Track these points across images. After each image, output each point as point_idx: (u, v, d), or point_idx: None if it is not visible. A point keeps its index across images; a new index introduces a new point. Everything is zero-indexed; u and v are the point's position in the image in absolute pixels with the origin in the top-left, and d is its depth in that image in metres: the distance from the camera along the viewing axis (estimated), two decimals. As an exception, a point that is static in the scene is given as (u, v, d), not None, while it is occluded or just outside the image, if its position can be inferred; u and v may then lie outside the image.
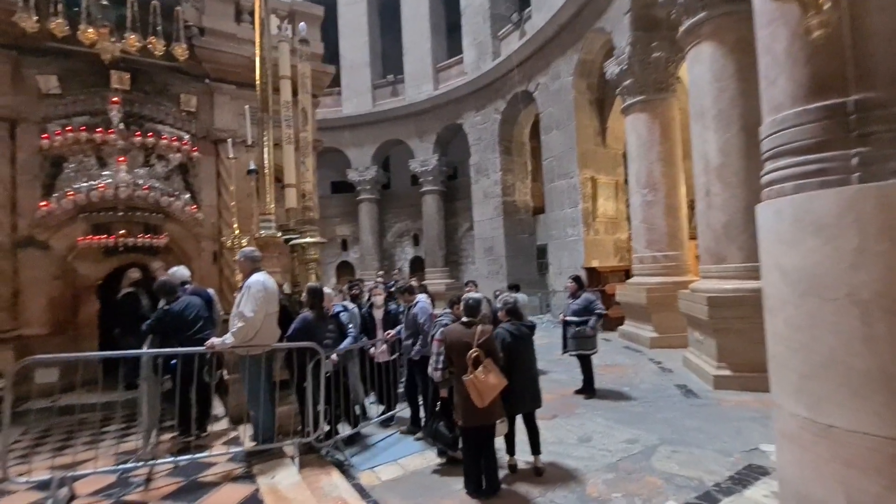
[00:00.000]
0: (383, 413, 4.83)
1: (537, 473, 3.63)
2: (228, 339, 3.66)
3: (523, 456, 3.77)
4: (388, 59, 17.74)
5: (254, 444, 3.81)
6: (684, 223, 8.59)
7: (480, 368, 3.18)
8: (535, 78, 12.31)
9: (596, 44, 10.42)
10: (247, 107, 6.02)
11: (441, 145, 16.46)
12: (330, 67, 7.80)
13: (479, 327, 3.33)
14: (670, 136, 8.50)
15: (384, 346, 4.69)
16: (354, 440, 4.34)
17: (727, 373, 5.56)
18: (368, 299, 5.89)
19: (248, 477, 3.41)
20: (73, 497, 3.20)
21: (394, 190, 18.76)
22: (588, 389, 5.61)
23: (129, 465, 3.42)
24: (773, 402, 2.60)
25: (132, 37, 5.45)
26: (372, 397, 5.07)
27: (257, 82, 4.96)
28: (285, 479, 3.33)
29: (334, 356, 4.00)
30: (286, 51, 5.76)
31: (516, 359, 3.56)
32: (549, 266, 12.59)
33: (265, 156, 4.88)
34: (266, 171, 4.86)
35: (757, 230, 2.72)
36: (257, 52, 4.93)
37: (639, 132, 8.62)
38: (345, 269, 18.70)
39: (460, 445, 3.54)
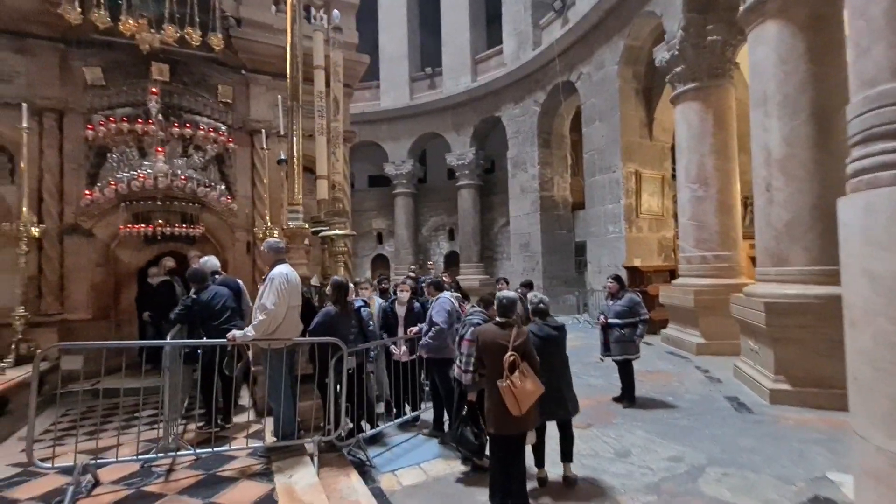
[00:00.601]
0: (406, 413, 4.66)
1: (567, 484, 3.36)
2: (249, 331, 3.58)
3: (554, 469, 3.49)
4: (427, 52, 17.56)
5: (274, 439, 3.73)
6: (738, 221, 7.94)
7: (517, 373, 2.94)
8: (577, 67, 11.77)
9: (644, 29, 9.80)
10: (279, 97, 5.98)
11: (478, 139, 16.15)
12: (364, 57, 7.67)
13: (515, 329, 3.09)
14: (725, 126, 7.85)
15: (405, 346, 4.49)
16: (376, 440, 4.19)
17: (786, 387, 5.03)
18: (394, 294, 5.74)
19: (266, 474, 3.32)
20: (96, 483, 3.21)
21: (430, 184, 18.64)
22: (627, 397, 5.23)
23: (149, 456, 3.41)
24: (852, 429, 2.20)
25: (169, 27, 5.50)
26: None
27: (288, 72, 4.86)
28: (302, 479, 3.21)
29: (369, 364, 3.90)
30: (320, 40, 5.65)
31: (541, 362, 3.29)
32: (588, 264, 12.06)
33: (294, 146, 4.78)
34: (295, 161, 4.77)
35: (839, 229, 2.30)
36: (288, 40, 4.82)
37: (690, 122, 8.01)
38: (380, 262, 18.79)
39: (486, 453, 3.32)
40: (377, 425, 4.26)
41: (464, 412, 3.54)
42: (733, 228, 7.83)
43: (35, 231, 5.38)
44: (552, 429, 3.52)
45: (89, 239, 6.21)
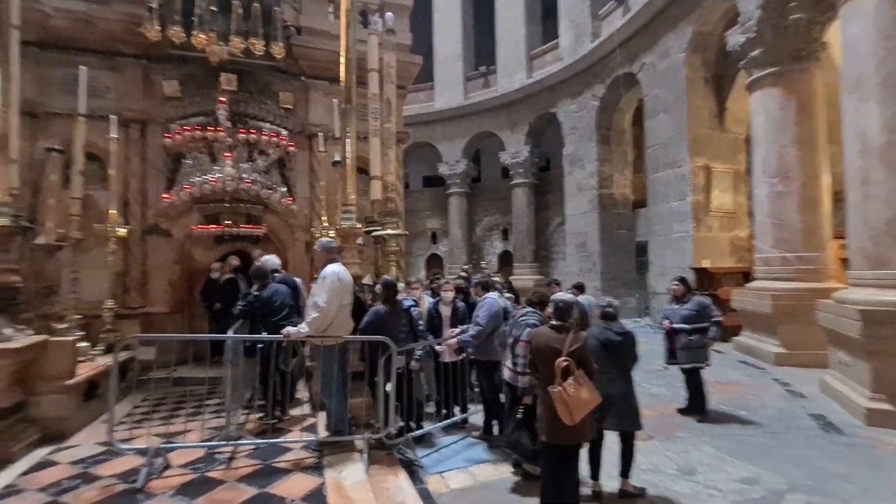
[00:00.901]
0: (455, 415, 4.60)
1: (624, 500, 3.14)
2: (303, 328, 3.69)
3: (610, 482, 3.29)
4: (481, 51, 17.47)
5: (327, 433, 3.82)
6: (825, 219, 7.13)
7: (570, 380, 2.80)
8: (639, 58, 11.16)
9: (715, 13, 9.10)
10: (335, 100, 6.15)
11: (533, 136, 15.82)
12: (417, 58, 7.72)
13: (572, 333, 2.94)
14: (810, 113, 7.07)
15: (449, 345, 4.42)
16: (424, 440, 4.18)
17: (886, 406, 4.43)
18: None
19: (318, 468, 3.40)
20: (167, 466, 3.45)
21: (484, 183, 18.53)
22: (696, 409, 4.84)
23: (213, 443, 3.61)
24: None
25: (236, 39, 5.84)
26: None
27: (342, 76, 4.98)
28: (351, 475, 3.26)
29: (414, 363, 3.91)
30: (374, 44, 5.74)
31: (603, 369, 3.11)
32: (650, 265, 11.41)
33: (348, 147, 4.89)
34: (349, 163, 4.87)
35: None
36: (342, 45, 4.94)
37: (769, 111, 7.31)
38: (434, 262, 18.95)
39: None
40: (424, 425, 4.24)
41: (519, 416, 3.43)
42: (819, 227, 7.05)
43: (121, 231, 5.91)
44: (610, 439, 3.32)
45: (167, 238, 6.74)
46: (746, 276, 8.62)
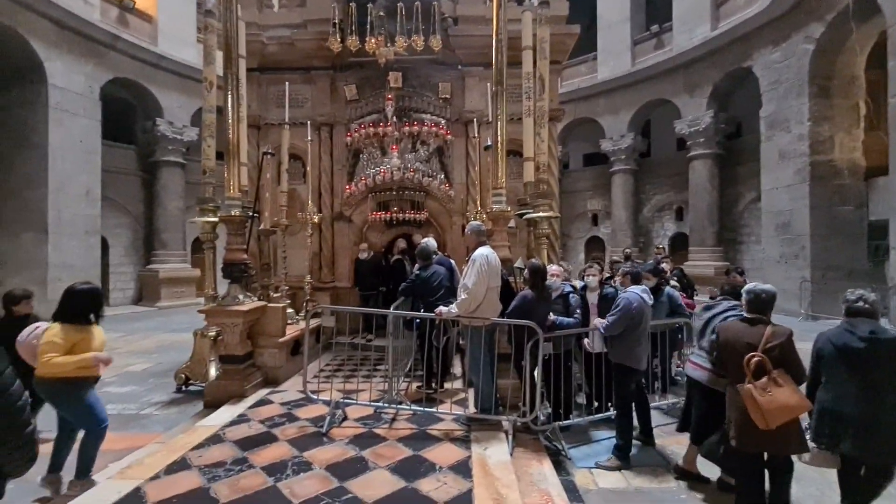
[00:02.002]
0: (610, 409, 4.31)
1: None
2: (454, 308, 3.90)
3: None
4: (652, 10, 15.50)
5: (475, 410, 3.99)
6: None
7: (764, 380, 2.44)
8: (882, -23, 8.42)
9: None
10: (488, 84, 6.19)
11: (717, 99, 13.45)
12: (573, 28, 7.23)
13: (770, 328, 2.58)
14: None
15: (596, 336, 4.09)
16: (573, 430, 4.03)
17: None
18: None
19: (465, 441, 3.59)
20: (345, 418, 4.07)
21: (654, 158, 16.61)
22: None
23: (380, 404, 4.11)
24: None
25: (400, 39, 6.35)
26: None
27: (493, 57, 4.97)
28: (495, 454, 3.35)
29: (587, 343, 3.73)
30: (528, 21, 5.60)
31: (840, 380, 2.52)
32: (892, 251, 8.73)
33: (498, 131, 4.90)
34: (499, 145, 4.88)
35: None
36: (494, 25, 4.91)
37: None
38: (594, 244, 17.92)
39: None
40: (571, 416, 4.08)
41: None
42: None
43: (315, 218, 7.08)
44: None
45: (349, 224, 7.83)
46: None
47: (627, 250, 9.02)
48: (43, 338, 2.93)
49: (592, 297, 4.31)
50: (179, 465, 3.21)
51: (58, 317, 3.04)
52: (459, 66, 7.55)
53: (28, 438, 1.35)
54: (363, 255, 7.27)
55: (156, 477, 3.04)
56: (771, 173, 11.59)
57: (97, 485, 3.01)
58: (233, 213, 5.03)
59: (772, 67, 11.43)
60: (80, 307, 3.08)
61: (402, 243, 7.15)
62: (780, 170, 11.29)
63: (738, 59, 12.38)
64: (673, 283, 5.39)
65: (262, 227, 6.62)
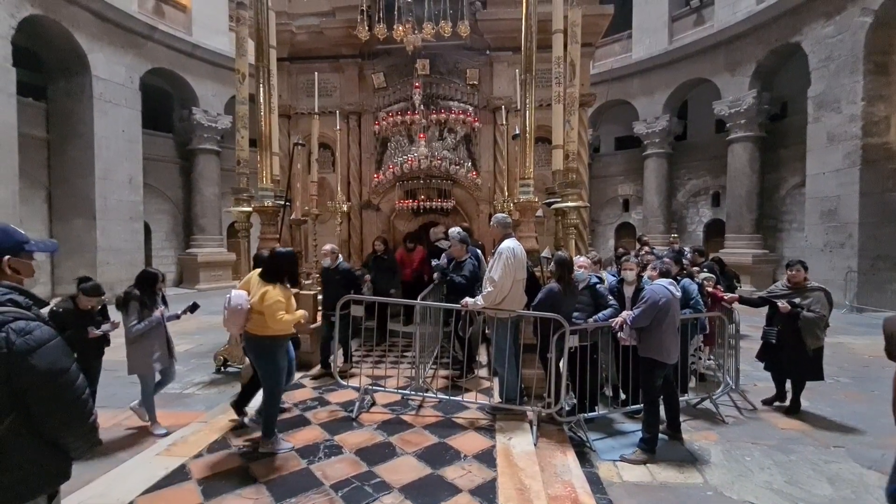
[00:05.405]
0: (639, 402, 4.28)
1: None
2: (479, 300, 3.93)
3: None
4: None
5: (500, 400, 4.05)
6: None
7: None
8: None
9: None
10: (517, 70, 6.08)
11: (761, 77, 12.73)
12: (607, 8, 6.97)
13: None
14: None
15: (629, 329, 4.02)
16: (599, 423, 4.03)
17: None
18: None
19: (490, 430, 3.67)
20: (373, 403, 4.21)
21: (690, 141, 15.94)
22: None
23: (407, 392, 4.23)
24: None
25: (427, 25, 6.27)
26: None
27: (522, 42, 4.86)
28: (520, 444, 3.40)
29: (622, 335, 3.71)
30: (559, 3, 5.43)
31: None
32: (949, 241, 8.19)
33: (527, 118, 4.82)
34: (527, 134, 4.81)
35: None
36: (523, 6, 4.79)
37: None
38: (625, 230, 17.50)
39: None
40: (597, 408, 4.08)
41: None
42: None
43: (344, 207, 7.20)
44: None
45: (377, 212, 7.92)
46: None
47: (644, 238, 8.74)
48: (267, 300, 3.14)
49: (628, 291, 4.24)
50: (220, 445, 3.43)
51: (265, 277, 3.28)
52: (488, 52, 7.43)
53: (91, 427, 1.49)
54: (378, 249, 6.57)
55: (199, 455, 3.26)
56: (818, 157, 10.96)
57: (148, 462, 3.23)
58: (266, 204, 5.18)
59: (823, 42, 10.71)
60: (285, 268, 3.33)
61: (439, 230, 7.04)
62: (828, 153, 10.66)
63: (786, 35, 11.64)
64: (704, 274, 5.21)
65: (293, 216, 6.79)
